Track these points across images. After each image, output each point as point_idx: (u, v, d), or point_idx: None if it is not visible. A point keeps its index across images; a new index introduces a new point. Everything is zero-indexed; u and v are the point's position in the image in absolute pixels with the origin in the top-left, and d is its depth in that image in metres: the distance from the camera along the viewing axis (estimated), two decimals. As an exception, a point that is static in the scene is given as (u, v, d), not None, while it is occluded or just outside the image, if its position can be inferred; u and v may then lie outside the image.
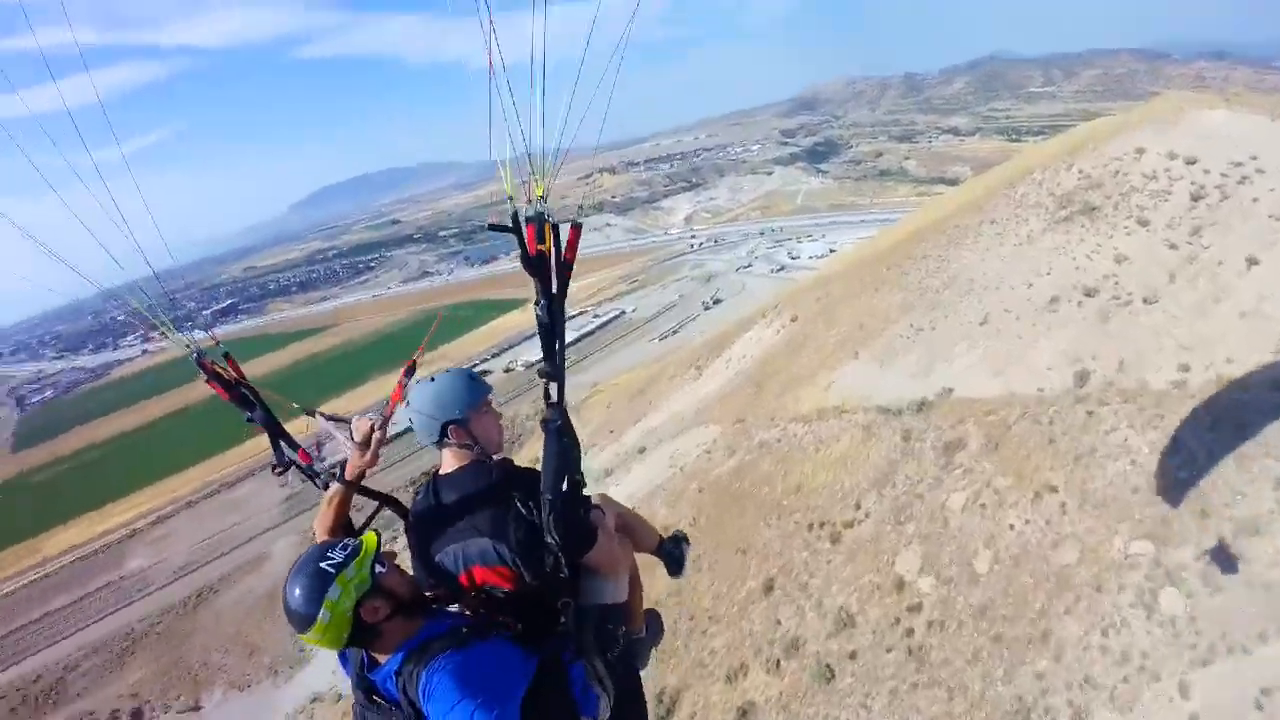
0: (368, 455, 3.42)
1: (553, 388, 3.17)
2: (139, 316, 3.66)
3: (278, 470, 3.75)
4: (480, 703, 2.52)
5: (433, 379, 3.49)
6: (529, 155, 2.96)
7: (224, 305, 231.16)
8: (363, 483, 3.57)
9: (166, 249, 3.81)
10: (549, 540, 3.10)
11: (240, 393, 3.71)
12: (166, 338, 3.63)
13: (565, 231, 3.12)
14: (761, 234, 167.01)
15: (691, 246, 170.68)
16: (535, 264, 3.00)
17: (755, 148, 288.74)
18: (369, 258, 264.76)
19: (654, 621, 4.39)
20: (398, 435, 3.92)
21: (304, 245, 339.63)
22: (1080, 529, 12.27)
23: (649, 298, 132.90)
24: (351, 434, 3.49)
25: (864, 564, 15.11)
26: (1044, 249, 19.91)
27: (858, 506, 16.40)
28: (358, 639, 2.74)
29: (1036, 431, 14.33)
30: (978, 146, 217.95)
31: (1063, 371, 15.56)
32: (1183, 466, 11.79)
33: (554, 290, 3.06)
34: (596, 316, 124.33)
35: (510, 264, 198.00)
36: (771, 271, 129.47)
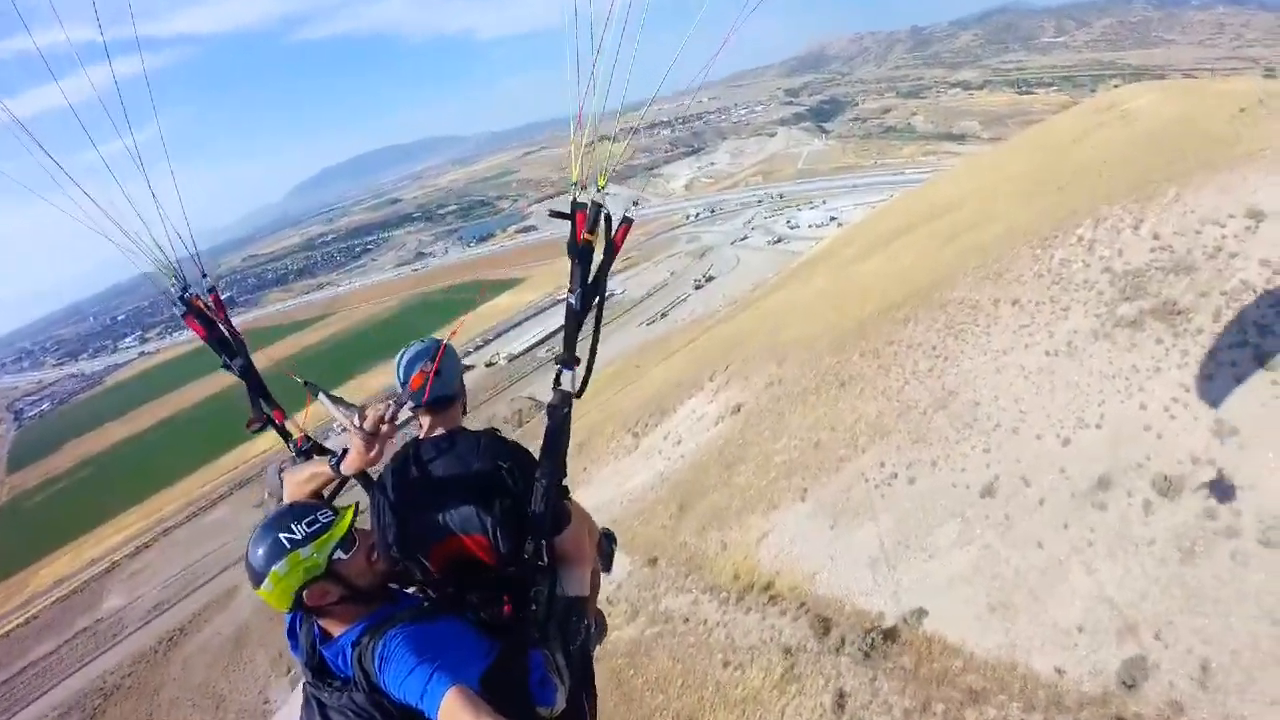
0: (374, 451, 2.95)
1: (565, 376, 3.08)
2: (132, 248, 3.33)
3: (252, 426, 3.59)
4: (439, 665, 2.37)
5: (432, 342, 3.38)
6: (591, 116, 2.98)
7: (222, 299, 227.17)
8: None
9: (168, 238, 3.47)
10: (534, 519, 3.04)
11: (221, 336, 3.53)
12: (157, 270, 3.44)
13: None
14: (760, 202, 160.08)
15: (688, 218, 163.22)
16: (579, 251, 2.97)
17: (759, 108, 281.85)
18: (367, 240, 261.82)
19: (599, 618, 4.09)
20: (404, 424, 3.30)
21: (304, 230, 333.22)
22: None
23: (640, 276, 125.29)
24: (358, 421, 2.94)
25: None
26: (1093, 373, 12.33)
27: (759, 807, 9.94)
28: (306, 611, 2.65)
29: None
30: (988, 100, 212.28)
31: (1102, 647, 8.74)
32: None
33: (589, 280, 3.04)
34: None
35: (508, 240, 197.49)
36: (768, 243, 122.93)
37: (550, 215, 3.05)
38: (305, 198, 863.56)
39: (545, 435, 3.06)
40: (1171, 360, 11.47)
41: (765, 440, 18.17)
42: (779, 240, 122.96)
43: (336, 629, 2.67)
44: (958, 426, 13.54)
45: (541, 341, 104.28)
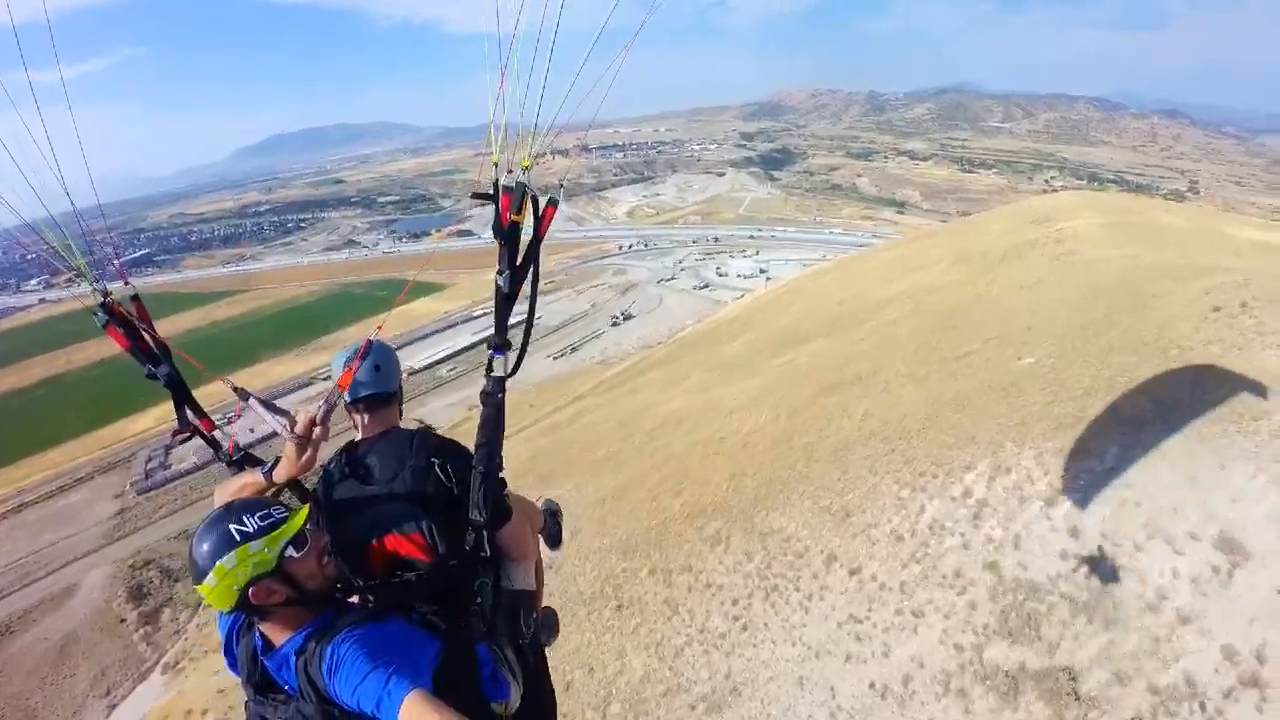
0: (306, 455, 2.91)
1: (497, 361, 3.09)
2: (53, 255, 3.36)
3: (179, 436, 3.46)
4: (394, 669, 2.26)
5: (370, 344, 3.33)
6: (514, 127, 3.02)
7: (137, 255, 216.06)
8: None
9: (93, 185, 3.47)
10: (474, 516, 3.00)
11: (145, 343, 3.40)
12: (76, 278, 3.33)
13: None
14: (694, 242, 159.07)
15: (620, 248, 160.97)
16: (506, 233, 2.99)
17: (713, 147, 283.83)
18: (301, 217, 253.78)
19: (549, 619, 3.80)
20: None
21: (240, 195, 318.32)
22: None
23: (559, 304, 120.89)
24: (290, 426, 2.92)
25: None
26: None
27: None
28: (250, 611, 2.53)
29: None
30: (930, 172, 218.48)
31: None
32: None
33: (518, 262, 3.06)
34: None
35: (442, 241, 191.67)
36: (694, 288, 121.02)
37: (472, 197, 3.03)
38: (248, 162, 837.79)
39: (479, 424, 3.03)
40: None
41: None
42: (705, 286, 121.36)
43: (279, 636, 2.52)
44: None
45: (445, 359, 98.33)
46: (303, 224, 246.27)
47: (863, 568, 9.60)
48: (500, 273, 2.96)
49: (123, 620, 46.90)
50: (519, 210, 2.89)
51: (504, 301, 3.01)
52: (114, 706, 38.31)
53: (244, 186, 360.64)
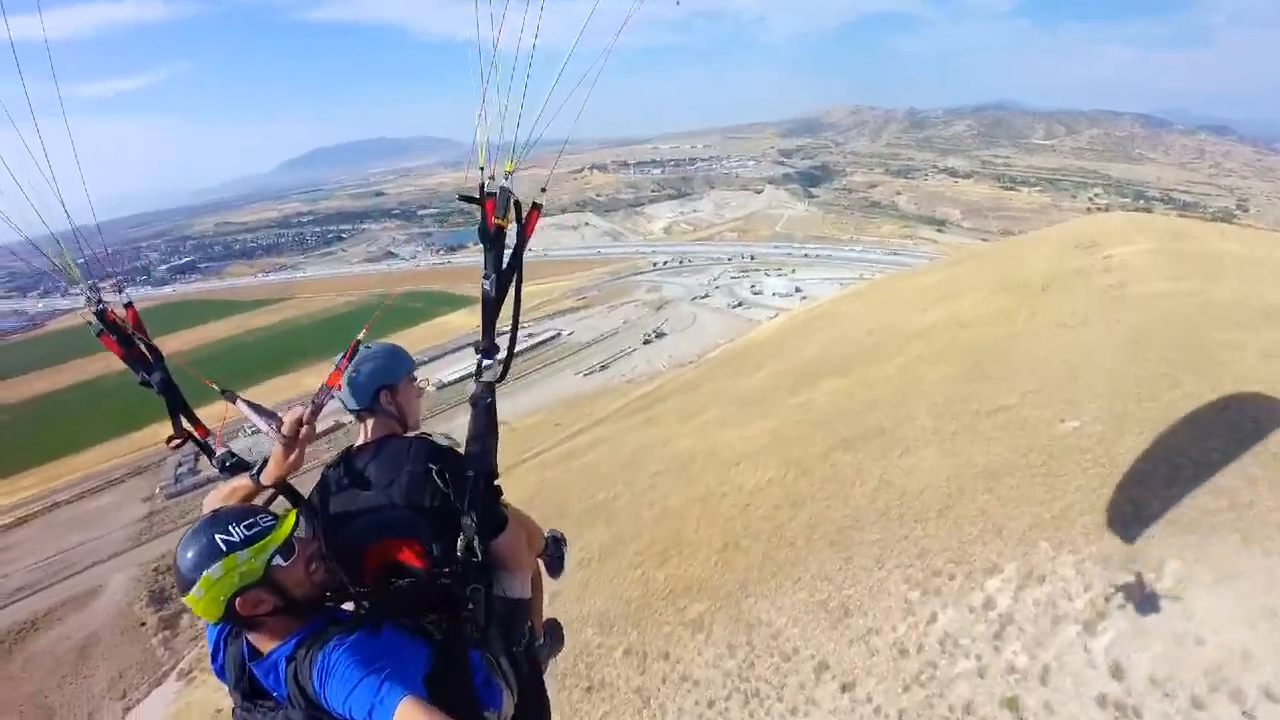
0: (293, 456, 2.93)
1: (486, 365, 3.10)
2: (50, 267, 3.41)
3: (173, 442, 3.44)
4: (387, 676, 2.25)
5: (366, 348, 3.34)
6: (502, 135, 3.07)
7: (183, 263, 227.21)
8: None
9: (90, 205, 3.48)
10: (467, 520, 2.95)
11: (138, 349, 3.40)
12: (75, 287, 3.37)
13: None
14: (730, 260, 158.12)
15: (654, 265, 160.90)
16: (490, 237, 3.04)
17: (750, 163, 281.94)
18: (342, 228, 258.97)
19: (554, 630, 4.05)
20: (329, 431, 3.56)
21: (283, 205, 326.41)
22: None
23: (591, 319, 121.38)
24: (277, 427, 2.92)
25: None
26: None
27: None
28: (237, 621, 2.51)
29: None
30: (971, 189, 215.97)
31: None
32: None
33: (503, 266, 3.09)
34: (531, 335, 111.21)
35: (479, 254, 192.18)
36: (728, 306, 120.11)
37: (459, 199, 3.05)
38: (294, 174, 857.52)
39: (470, 430, 3.03)
40: None
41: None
42: (739, 304, 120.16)
43: (268, 644, 2.48)
44: None
45: (475, 374, 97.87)
46: (344, 235, 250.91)
47: (858, 684, 8.08)
48: (486, 277, 2.98)
49: (143, 624, 47.64)
50: (503, 215, 2.93)
51: (491, 306, 3.02)
52: (129, 709, 38.33)
53: (287, 197, 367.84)
